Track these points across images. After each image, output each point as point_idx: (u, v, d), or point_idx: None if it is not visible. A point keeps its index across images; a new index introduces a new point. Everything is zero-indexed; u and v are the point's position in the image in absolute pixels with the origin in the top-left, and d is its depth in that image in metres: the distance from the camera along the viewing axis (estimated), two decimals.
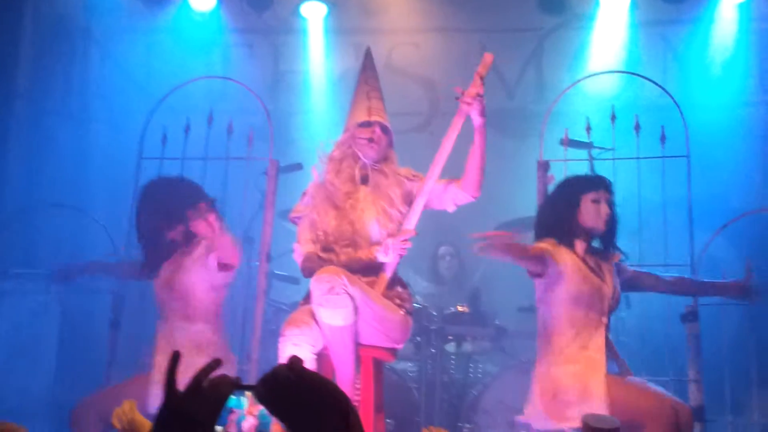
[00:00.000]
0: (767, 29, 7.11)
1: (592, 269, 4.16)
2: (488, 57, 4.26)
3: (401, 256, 4.14)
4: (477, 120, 4.18)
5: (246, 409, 1.47)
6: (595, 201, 4.21)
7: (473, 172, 4.23)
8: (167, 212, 4.39)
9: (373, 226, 4.18)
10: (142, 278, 4.60)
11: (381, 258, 4.12)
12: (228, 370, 4.31)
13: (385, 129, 4.33)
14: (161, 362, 4.27)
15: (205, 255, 4.39)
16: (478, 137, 4.20)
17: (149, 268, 4.53)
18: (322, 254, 4.23)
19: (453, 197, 4.32)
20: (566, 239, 4.22)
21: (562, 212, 4.24)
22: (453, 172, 4.34)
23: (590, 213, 4.21)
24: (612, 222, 4.24)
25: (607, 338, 4.11)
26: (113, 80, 7.56)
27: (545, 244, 4.19)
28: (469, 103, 4.14)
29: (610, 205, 4.24)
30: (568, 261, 4.14)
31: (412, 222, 4.23)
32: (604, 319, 4.09)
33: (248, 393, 1.45)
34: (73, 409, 4.23)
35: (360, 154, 4.31)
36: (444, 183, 4.32)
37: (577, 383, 3.95)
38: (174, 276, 4.45)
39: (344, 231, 4.20)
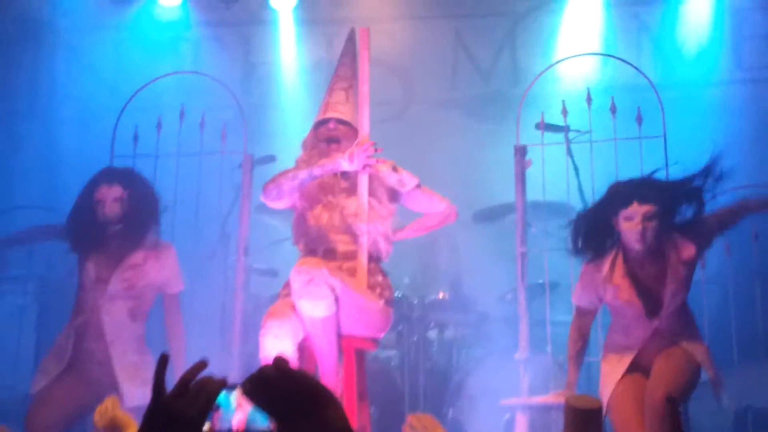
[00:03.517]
0: (741, 7, 7.12)
1: (627, 300, 3.95)
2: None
3: (368, 166, 4.07)
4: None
5: (235, 404, 1.50)
6: (628, 219, 3.88)
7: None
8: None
9: (355, 217, 4.11)
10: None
11: (345, 166, 4.05)
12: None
13: (343, 122, 4.22)
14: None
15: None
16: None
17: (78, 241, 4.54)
18: (311, 244, 4.18)
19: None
20: (601, 250, 4.01)
21: (600, 234, 3.98)
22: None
23: (625, 233, 3.90)
24: (649, 239, 3.86)
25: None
26: (81, 78, 7.48)
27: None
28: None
29: (652, 217, 3.84)
30: (609, 287, 3.99)
31: (365, 129, 4.16)
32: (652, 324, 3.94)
33: (237, 392, 1.48)
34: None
35: (325, 155, 4.18)
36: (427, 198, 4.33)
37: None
38: (132, 273, 4.47)
39: (334, 221, 4.13)
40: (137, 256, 4.47)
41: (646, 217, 3.83)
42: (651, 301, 3.93)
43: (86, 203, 4.49)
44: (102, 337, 4.36)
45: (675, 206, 3.92)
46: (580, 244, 4.01)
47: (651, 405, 3.67)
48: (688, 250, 3.92)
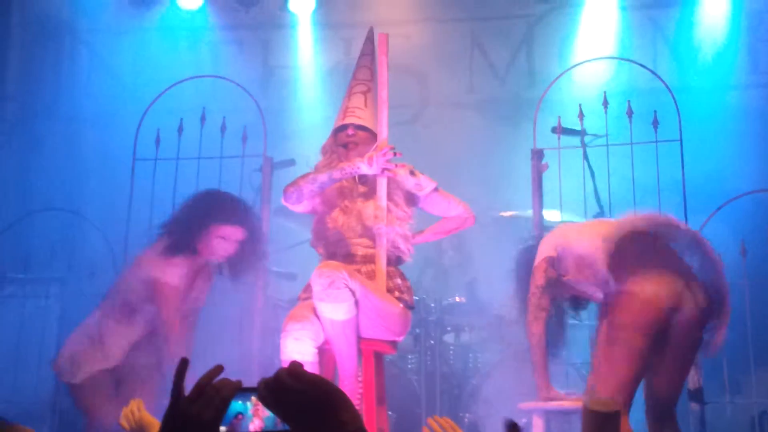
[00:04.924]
0: (757, 10, 7.12)
1: None
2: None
3: (386, 169, 4.08)
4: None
5: (252, 410, 1.56)
6: None
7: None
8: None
9: (378, 224, 4.14)
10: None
11: (364, 169, 4.08)
12: None
13: (361, 127, 4.24)
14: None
15: None
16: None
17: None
18: (330, 247, 4.22)
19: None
20: None
21: None
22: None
23: None
24: None
25: None
26: (102, 81, 7.55)
27: None
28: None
29: None
30: None
31: (383, 133, 4.18)
32: None
33: (253, 397, 1.54)
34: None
35: (343, 160, 4.21)
36: (446, 202, 4.37)
37: None
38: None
39: (352, 224, 4.18)
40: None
41: None
42: None
43: (203, 229, 4.52)
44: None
45: None
46: None
47: None
48: None
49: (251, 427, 1.54)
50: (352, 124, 4.24)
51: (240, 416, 1.55)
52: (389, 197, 4.17)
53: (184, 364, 1.55)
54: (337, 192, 4.25)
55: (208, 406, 1.48)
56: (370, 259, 4.12)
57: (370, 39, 4.50)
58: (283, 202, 4.30)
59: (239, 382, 1.53)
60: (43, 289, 5.58)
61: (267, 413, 1.54)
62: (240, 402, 1.54)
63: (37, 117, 7.39)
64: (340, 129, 4.29)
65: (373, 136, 4.24)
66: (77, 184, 6.95)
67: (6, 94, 7.39)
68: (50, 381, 5.22)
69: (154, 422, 3.11)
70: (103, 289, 5.28)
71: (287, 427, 1.53)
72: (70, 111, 7.52)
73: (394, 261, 4.20)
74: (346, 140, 4.24)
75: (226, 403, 1.50)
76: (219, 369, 1.55)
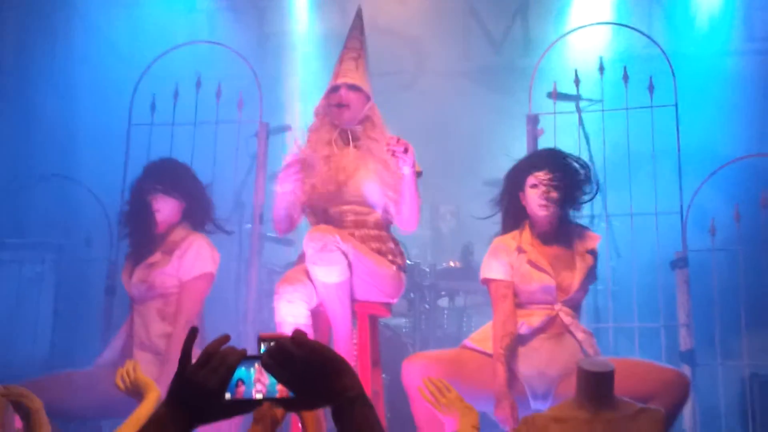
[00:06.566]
0: None
1: (535, 264, 3.90)
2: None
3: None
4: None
5: (255, 377, 1.61)
6: (533, 186, 3.92)
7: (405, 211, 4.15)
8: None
9: (367, 186, 4.14)
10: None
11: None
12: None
13: (353, 88, 4.22)
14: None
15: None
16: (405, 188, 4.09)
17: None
18: (321, 215, 4.21)
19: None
20: (514, 228, 4.02)
21: (506, 200, 4.04)
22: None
23: (530, 202, 3.94)
24: (552, 206, 3.89)
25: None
26: (97, 49, 7.51)
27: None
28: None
29: (558, 188, 3.88)
30: (507, 271, 3.94)
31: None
32: (556, 307, 3.87)
33: (257, 364, 1.59)
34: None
35: (336, 121, 4.24)
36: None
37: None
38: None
39: (333, 192, 4.16)
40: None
41: (551, 185, 3.87)
42: (561, 277, 3.91)
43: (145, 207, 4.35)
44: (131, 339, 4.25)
45: (576, 187, 3.93)
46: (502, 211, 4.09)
47: None
48: (593, 240, 4.01)
49: (254, 392, 1.58)
50: (345, 84, 4.25)
51: (242, 385, 1.59)
52: (380, 161, 4.15)
53: (193, 332, 1.61)
54: (324, 160, 4.22)
55: (214, 374, 1.54)
56: (361, 224, 4.13)
57: (359, 16, 4.53)
58: (279, 235, 4.29)
59: (244, 351, 1.59)
60: (39, 255, 5.58)
61: (269, 380, 1.57)
62: (244, 369, 1.58)
63: (33, 86, 7.36)
64: (333, 90, 4.29)
65: (364, 96, 4.25)
66: (73, 150, 6.94)
67: (1, 64, 7.36)
68: (46, 345, 5.26)
69: (150, 383, 3.12)
70: (99, 255, 5.31)
71: (291, 393, 1.58)
72: (65, 80, 7.49)
73: (386, 225, 4.22)
74: (338, 100, 4.24)
75: (231, 371, 1.55)
76: (225, 338, 1.61)
